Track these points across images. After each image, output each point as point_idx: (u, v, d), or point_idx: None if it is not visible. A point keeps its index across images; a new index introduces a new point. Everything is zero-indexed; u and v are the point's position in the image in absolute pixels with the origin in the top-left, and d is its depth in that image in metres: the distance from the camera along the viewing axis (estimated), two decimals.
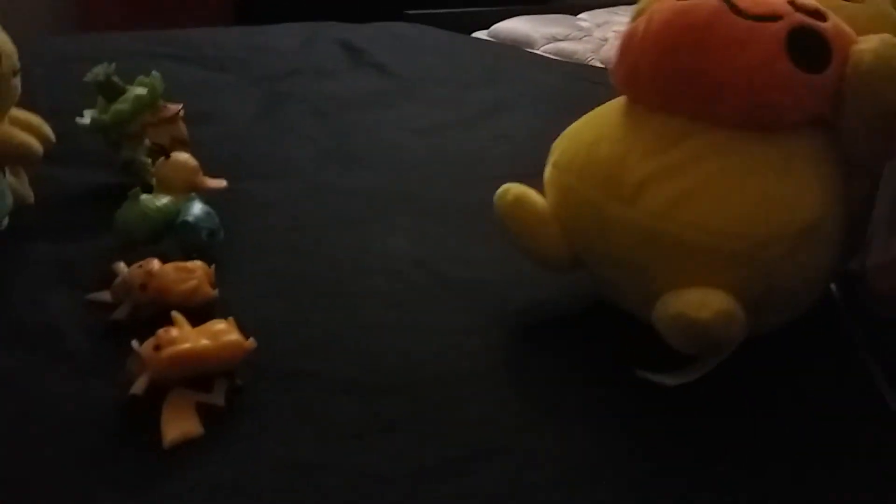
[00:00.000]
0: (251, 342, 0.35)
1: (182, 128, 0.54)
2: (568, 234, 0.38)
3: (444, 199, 0.47)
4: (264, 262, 0.46)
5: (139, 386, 0.32)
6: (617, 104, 0.39)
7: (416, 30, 1.14)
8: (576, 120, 0.41)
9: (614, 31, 1.31)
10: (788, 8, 0.35)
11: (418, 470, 0.31)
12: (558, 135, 0.41)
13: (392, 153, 0.66)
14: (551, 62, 1.10)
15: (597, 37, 1.32)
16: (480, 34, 1.42)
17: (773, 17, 0.35)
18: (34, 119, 0.50)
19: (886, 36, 0.35)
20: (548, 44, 1.30)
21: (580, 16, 1.48)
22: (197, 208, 0.44)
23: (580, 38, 1.31)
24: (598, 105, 0.41)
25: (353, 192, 0.57)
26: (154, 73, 0.54)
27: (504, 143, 0.67)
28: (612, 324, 0.40)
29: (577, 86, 0.86)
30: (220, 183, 0.48)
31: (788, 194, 0.34)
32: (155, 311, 0.38)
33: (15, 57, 0.46)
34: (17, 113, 0.49)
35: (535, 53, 1.22)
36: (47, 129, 0.50)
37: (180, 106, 0.54)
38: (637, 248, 0.35)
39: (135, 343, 0.33)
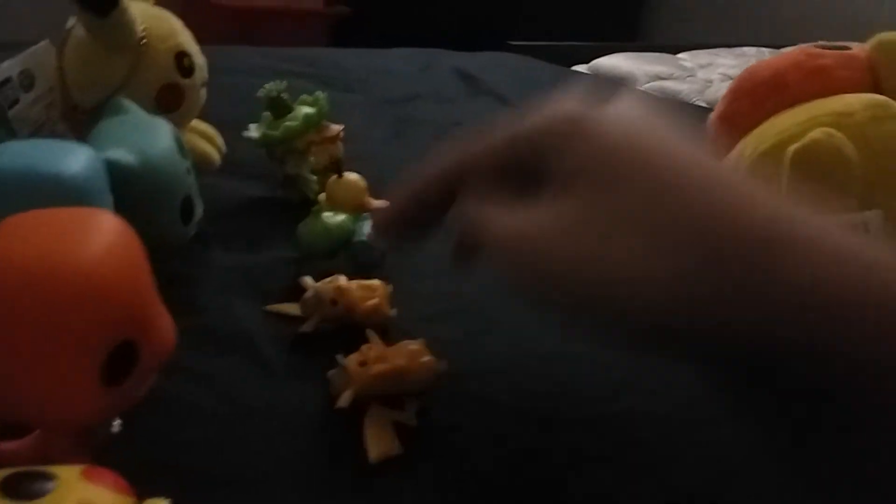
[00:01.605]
0: (443, 364, 0.35)
1: (340, 147, 0.55)
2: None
3: None
4: (430, 282, 0.46)
5: (345, 399, 0.33)
6: None
7: (524, 61, 1.15)
8: None
9: (719, 73, 1.30)
10: None
11: None
12: None
13: None
14: (659, 99, 1.10)
15: (700, 77, 1.31)
16: (580, 68, 1.43)
17: None
18: (209, 129, 0.52)
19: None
20: (651, 82, 1.30)
21: (680, 55, 1.48)
22: (370, 227, 0.45)
23: (684, 78, 1.31)
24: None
25: None
26: (319, 93, 0.55)
27: None
28: None
29: (685, 123, 0.85)
30: (385, 204, 0.49)
31: None
32: (337, 325, 0.39)
33: (204, 69, 0.49)
34: (195, 123, 0.51)
35: (642, 90, 1.22)
36: (221, 140, 0.52)
37: (341, 127, 0.56)
38: None
39: (340, 357, 0.34)
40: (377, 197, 0.52)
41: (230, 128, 0.58)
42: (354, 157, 0.68)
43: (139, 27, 0.43)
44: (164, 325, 0.28)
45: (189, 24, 1.89)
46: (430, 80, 0.98)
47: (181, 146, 0.41)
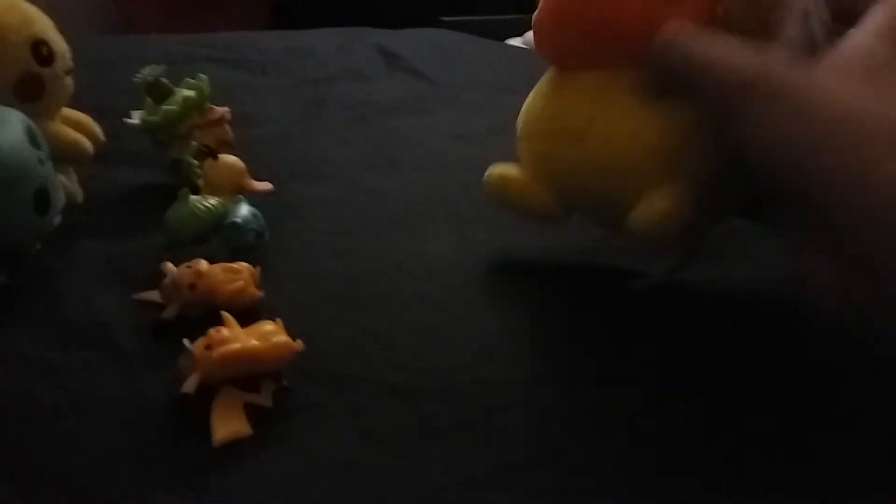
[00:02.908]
0: (299, 344, 0.35)
1: (227, 130, 0.55)
2: (547, 189, 0.43)
3: (482, 203, 0.47)
4: (308, 265, 0.46)
5: (190, 384, 0.32)
6: (549, 73, 0.44)
7: (451, 36, 1.14)
8: None
9: None
10: None
11: (466, 478, 0.31)
12: None
13: (430, 158, 0.66)
14: None
15: None
16: (515, 41, 1.42)
17: None
18: (84, 118, 0.51)
19: None
20: None
21: None
22: (244, 210, 0.44)
23: None
24: None
25: (394, 196, 0.57)
26: (201, 75, 0.54)
27: None
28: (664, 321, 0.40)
29: None
30: (266, 186, 0.49)
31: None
32: (202, 311, 0.39)
33: (68, 56, 0.47)
34: (68, 112, 0.50)
35: None
36: (97, 129, 0.50)
37: (226, 109, 0.55)
38: (595, 181, 0.40)
39: (186, 342, 0.33)
40: (278, 178, 0.51)
41: (125, 114, 0.57)
42: (263, 139, 0.68)
43: None
44: None
45: (128, 11, 1.86)
46: (349, 59, 0.97)
47: (34, 136, 0.40)
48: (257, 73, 0.88)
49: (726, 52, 0.32)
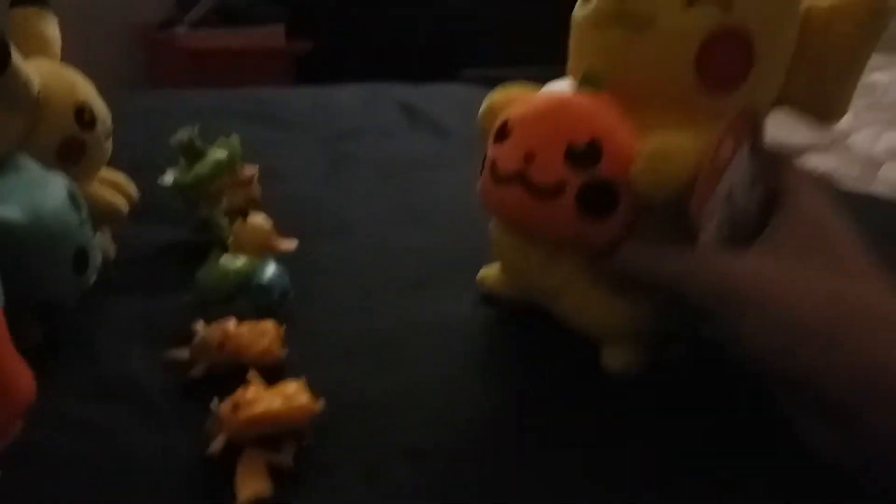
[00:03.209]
0: (320, 405, 0.36)
1: (256, 189, 0.57)
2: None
3: None
4: (330, 323, 0.47)
5: (216, 445, 0.34)
6: None
7: (472, 91, 1.17)
8: None
9: None
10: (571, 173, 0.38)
11: None
12: None
13: (451, 214, 0.67)
14: None
15: None
16: None
17: (560, 187, 0.38)
18: (120, 178, 0.53)
19: (664, 142, 0.37)
20: None
21: None
22: (270, 269, 0.46)
23: None
24: None
25: (414, 252, 0.59)
26: (233, 136, 0.57)
27: None
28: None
29: None
30: (292, 244, 0.50)
31: None
32: (230, 369, 0.40)
33: (108, 121, 0.50)
34: (105, 172, 0.52)
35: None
36: (132, 188, 0.53)
37: (256, 168, 0.57)
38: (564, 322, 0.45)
39: (213, 403, 0.35)
40: (303, 235, 0.53)
41: (158, 170, 0.59)
42: (290, 195, 0.70)
43: (35, 85, 0.44)
44: (19, 382, 0.29)
45: (153, 67, 1.93)
46: (372, 114, 1.00)
47: (75, 199, 0.42)
48: (285, 129, 0.91)
49: (690, 265, 0.36)
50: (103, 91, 0.51)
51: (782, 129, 1.00)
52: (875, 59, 1.54)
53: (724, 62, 0.38)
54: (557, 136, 0.38)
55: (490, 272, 0.51)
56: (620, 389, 0.42)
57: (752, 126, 0.39)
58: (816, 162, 0.94)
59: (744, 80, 0.38)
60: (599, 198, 0.38)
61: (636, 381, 0.42)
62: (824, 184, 0.38)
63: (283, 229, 0.52)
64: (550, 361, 0.45)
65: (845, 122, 1.10)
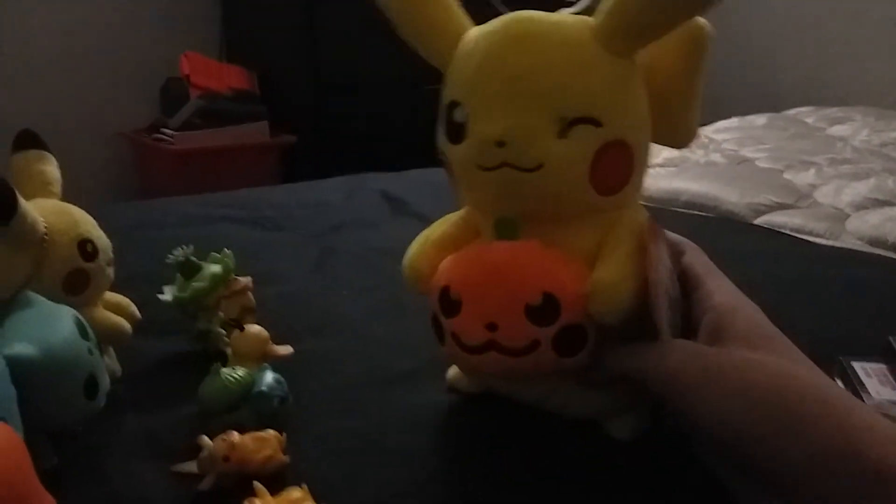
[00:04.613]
0: None
1: (250, 297, 0.60)
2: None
3: None
4: (326, 423, 0.50)
5: None
6: None
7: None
8: None
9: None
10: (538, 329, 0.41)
11: None
12: None
13: None
14: None
15: None
16: None
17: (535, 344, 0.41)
18: (122, 300, 0.56)
19: (607, 273, 0.41)
20: None
21: None
22: (269, 378, 0.49)
23: None
24: None
25: (399, 343, 0.62)
26: (226, 250, 0.61)
27: None
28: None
29: None
30: (287, 350, 0.53)
31: None
32: (236, 479, 0.43)
33: (110, 249, 0.53)
34: (108, 295, 0.55)
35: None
36: (134, 308, 0.56)
37: (249, 279, 0.60)
38: None
39: None
40: (296, 335, 0.56)
41: (154, 283, 0.62)
42: (281, 297, 0.73)
43: (41, 225, 0.48)
44: None
45: (144, 170, 1.98)
46: (355, 207, 1.04)
47: (83, 329, 0.45)
48: (272, 229, 0.95)
49: (651, 361, 0.40)
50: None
51: (747, 192, 1.06)
52: (832, 112, 1.63)
53: (614, 170, 0.43)
54: (512, 300, 0.41)
55: (457, 372, 0.53)
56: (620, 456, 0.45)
57: (657, 225, 0.44)
58: (782, 220, 0.98)
59: (630, 177, 0.43)
60: (573, 340, 0.41)
61: (622, 467, 0.45)
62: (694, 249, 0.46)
63: (277, 332, 0.55)
64: (540, 446, 0.47)
65: (808, 178, 1.15)
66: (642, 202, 0.48)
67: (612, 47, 0.42)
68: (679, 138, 0.47)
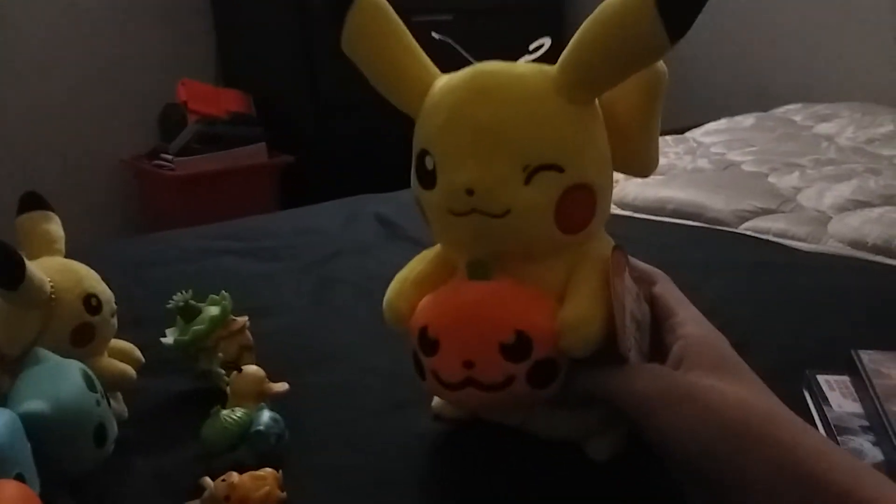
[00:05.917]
0: None
1: (248, 336, 0.63)
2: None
3: None
4: (323, 458, 0.53)
5: None
6: None
7: None
8: None
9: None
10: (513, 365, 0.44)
11: None
12: None
13: None
14: None
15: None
16: None
17: (510, 379, 0.44)
18: (126, 346, 0.60)
19: (576, 310, 0.44)
20: None
21: None
22: (265, 417, 0.52)
23: None
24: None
25: (396, 373, 0.64)
26: (224, 292, 0.64)
27: None
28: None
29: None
30: (283, 387, 0.56)
31: None
32: None
33: (112, 301, 0.57)
34: (113, 342, 0.59)
35: None
36: (138, 353, 0.59)
37: (245, 318, 0.64)
38: None
39: None
40: (293, 368, 0.59)
41: (159, 323, 0.66)
42: (279, 329, 0.76)
43: (47, 285, 0.51)
44: None
45: (146, 195, 2.02)
46: (352, 233, 1.07)
47: (90, 380, 0.49)
48: (270, 260, 0.98)
49: (623, 383, 0.43)
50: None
51: (732, 199, 1.08)
52: (820, 109, 1.66)
53: (578, 211, 0.46)
54: (486, 339, 0.44)
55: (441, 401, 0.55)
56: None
57: (623, 255, 0.47)
58: (766, 226, 1.00)
59: (593, 215, 0.46)
60: (546, 373, 0.44)
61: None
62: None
63: (276, 366, 0.58)
64: (536, 474, 0.50)
65: (793, 181, 1.18)
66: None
67: (571, 97, 0.45)
68: (640, 168, 0.50)
